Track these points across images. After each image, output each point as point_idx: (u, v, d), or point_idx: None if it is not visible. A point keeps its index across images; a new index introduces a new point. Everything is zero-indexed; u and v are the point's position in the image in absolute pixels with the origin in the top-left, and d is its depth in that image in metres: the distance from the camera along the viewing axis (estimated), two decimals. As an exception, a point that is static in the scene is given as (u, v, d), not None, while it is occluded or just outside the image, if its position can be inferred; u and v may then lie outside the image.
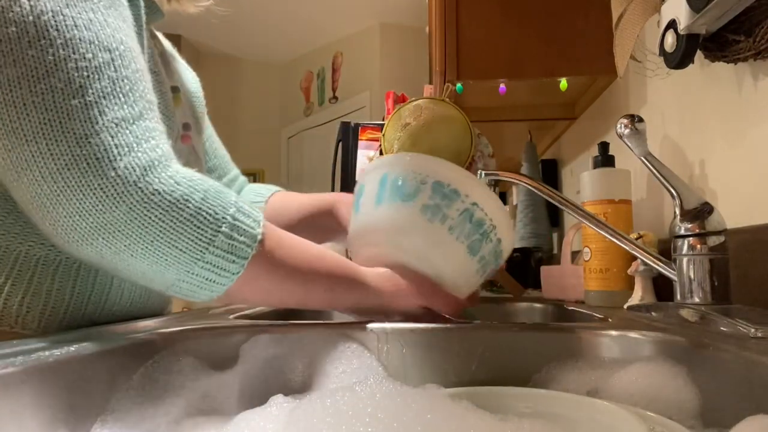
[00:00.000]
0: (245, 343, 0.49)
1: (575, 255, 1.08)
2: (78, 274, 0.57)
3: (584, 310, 0.75)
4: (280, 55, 4.68)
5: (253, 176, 4.72)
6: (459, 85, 1.19)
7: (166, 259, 0.46)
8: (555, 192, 0.66)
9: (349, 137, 1.83)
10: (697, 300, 0.57)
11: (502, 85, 1.21)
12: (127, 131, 0.46)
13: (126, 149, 0.45)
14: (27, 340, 0.40)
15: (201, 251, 0.46)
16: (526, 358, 0.48)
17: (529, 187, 0.69)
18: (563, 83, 1.17)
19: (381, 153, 1.19)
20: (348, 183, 2.05)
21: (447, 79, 1.15)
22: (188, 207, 0.46)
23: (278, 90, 4.83)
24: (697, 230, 0.57)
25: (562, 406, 0.39)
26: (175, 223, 0.45)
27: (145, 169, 0.46)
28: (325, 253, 0.56)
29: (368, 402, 0.34)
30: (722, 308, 0.53)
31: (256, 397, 0.46)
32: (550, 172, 1.73)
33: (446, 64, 1.15)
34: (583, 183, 0.89)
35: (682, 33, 0.66)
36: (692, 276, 0.57)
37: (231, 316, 0.63)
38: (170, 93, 0.66)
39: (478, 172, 0.71)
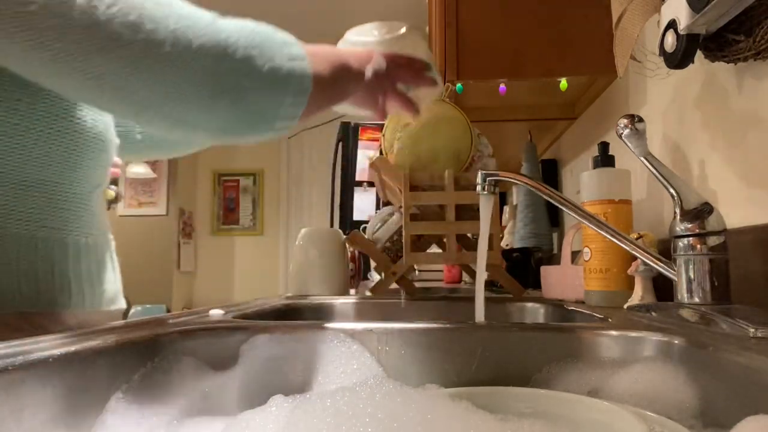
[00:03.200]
0: (245, 343, 0.49)
1: (575, 255, 1.08)
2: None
3: (584, 310, 0.75)
4: (280, 55, 4.67)
5: (253, 176, 4.72)
6: (459, 85, 1.19)
7: None
8: (555, 192, 0.66)
9: (349, 137, 1.83)
10: (697, 300, 0.57)
11: (502, 85, 1.21)
12: None
13: None
14: (26, 340, 0.40)
15: None
16: (526, 358, 0.48)
17: (529, 187, 0.68)
18: (563, 83, 1.17)
19: (381, 153, 1.19)
20: (348, 183, 2.05)
21: (447, 79, 1.15)
22: None
23: (278, 90, 4.81)
24: (697, 230, 0.57)
25: (562, 406, 0.39)
26: None
27: None
28: None
29: (368, 402, 0.34)
30: (722, 308, 0.53)
31: (256, 397, 0.46)
32: (550, 172, 1.73)
33: (446, 64, 1.15)
34: (583, 183, 0.89)
35: (682, 33, 0.66)
36: (692, 276, 0.57)
37: (231, 316, 0.63)
38: None
39: (478, 172, 0.71)
